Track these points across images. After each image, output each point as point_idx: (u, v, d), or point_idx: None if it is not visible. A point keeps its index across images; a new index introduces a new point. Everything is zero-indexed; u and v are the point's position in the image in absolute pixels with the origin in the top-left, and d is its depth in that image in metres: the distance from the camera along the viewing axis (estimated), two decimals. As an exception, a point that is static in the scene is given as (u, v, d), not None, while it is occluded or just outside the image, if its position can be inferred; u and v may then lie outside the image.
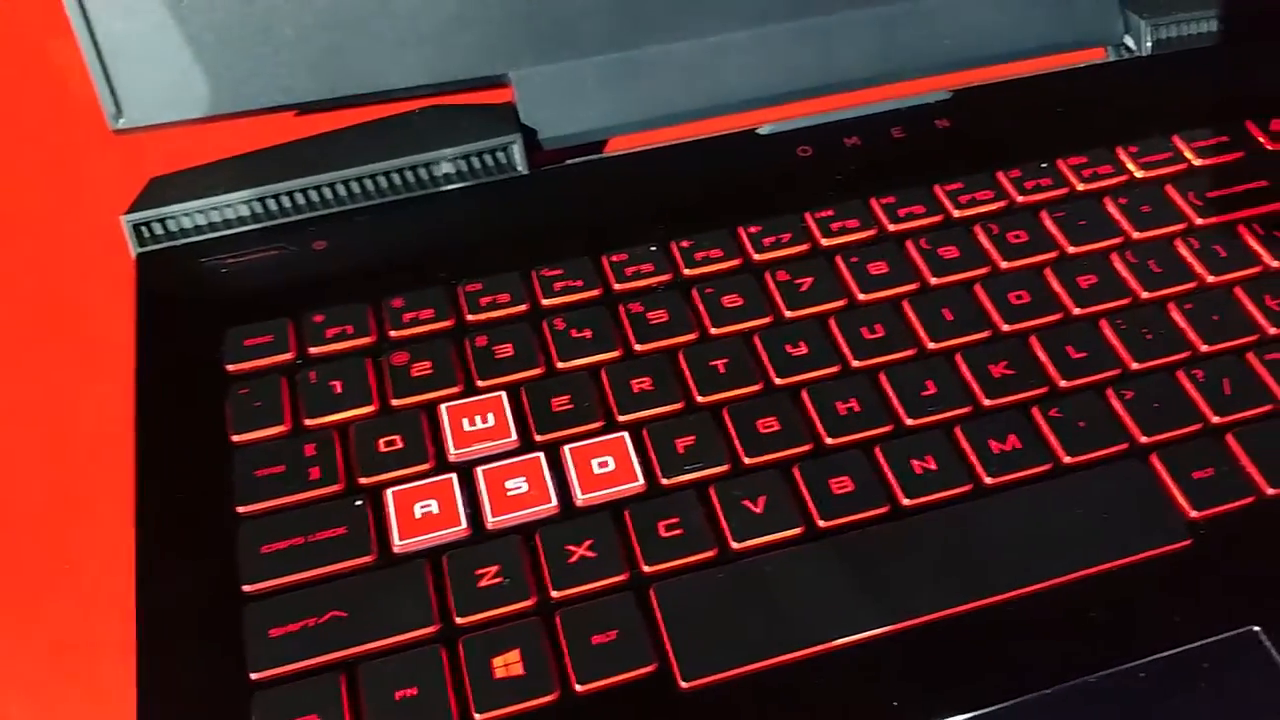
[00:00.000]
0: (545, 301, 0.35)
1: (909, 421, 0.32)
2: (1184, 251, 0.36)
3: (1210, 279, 0.35)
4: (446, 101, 0.40)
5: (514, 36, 0.39)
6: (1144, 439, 0.31)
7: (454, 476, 0.30)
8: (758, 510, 0.29)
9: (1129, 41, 0.44)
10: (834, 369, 0.33)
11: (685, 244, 0.36)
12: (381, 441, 0.31)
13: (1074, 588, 0.28)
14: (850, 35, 0.41)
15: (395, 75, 0.38)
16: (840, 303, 0.35)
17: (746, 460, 0.31)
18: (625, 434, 0.31)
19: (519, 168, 0.39)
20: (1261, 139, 0.40)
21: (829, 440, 0.31)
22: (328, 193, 0.38)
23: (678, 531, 0.29)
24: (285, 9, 0.37)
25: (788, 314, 0.34)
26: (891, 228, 0.37)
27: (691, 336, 0.34)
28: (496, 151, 0.39)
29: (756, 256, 0.36)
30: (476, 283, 0.35)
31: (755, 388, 0.32)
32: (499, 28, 0.38)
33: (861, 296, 0.35)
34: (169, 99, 0.37)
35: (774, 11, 0.40)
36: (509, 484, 0.30)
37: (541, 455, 0.31)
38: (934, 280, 0.35)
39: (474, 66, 0.39)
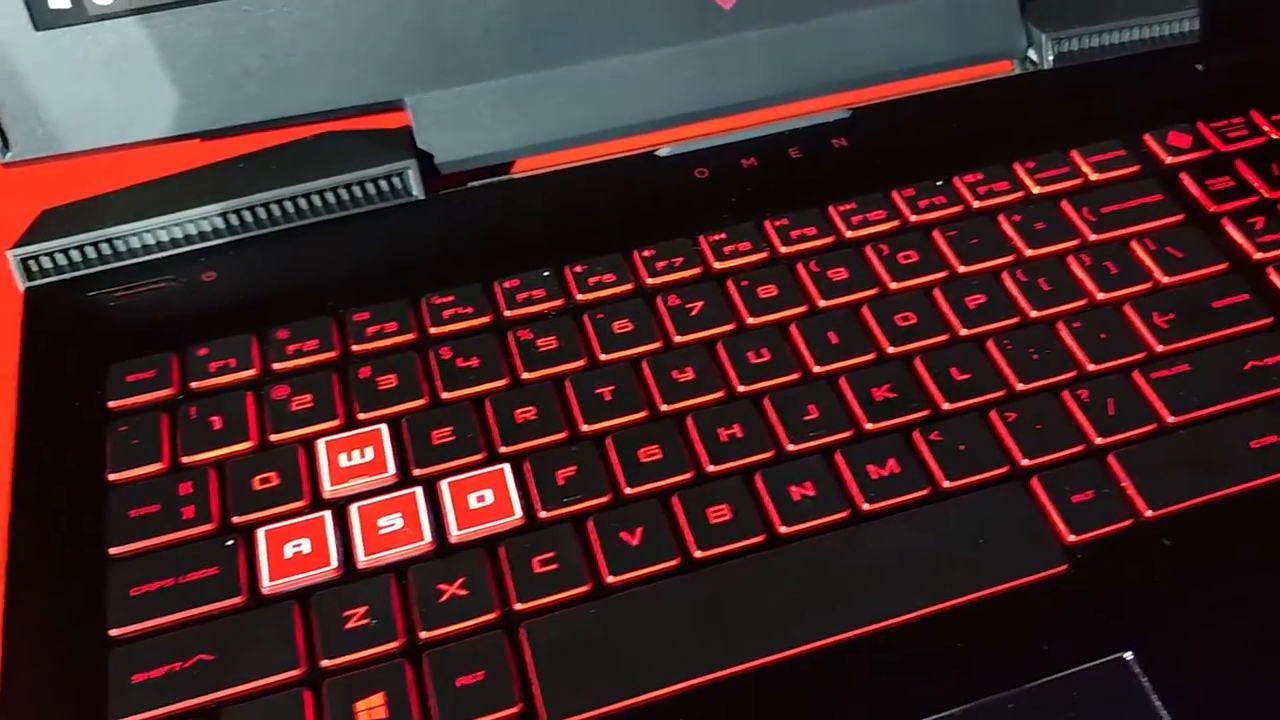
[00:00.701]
0: (433, 330, 0.34)
1: (790, 447, 0.32)
2: (1076, 269, 0.36)
3: (1100, 296, 0.36)
4: (343, 127, 0.40)
5: (409, 62, 0.38)
6: (1025, 462, 0.31)
7: (328, 514, 0.30)
8: (635, 542, 0.29)
9: (1033, 55, 0.44)
10: (719, 394, 0.33)
11: (579, 269, 0.36)
12: (257, 479, 0.31)
13: (946, 617, 0.28)
14: (749, 56, 0.41)
15: (288, 103, 0.38)
16: (729, 326, 0.35)
17: (627, 490, 0.31)
18: (506, 466, 0.31)
19: (415, 193, 0.39)
20: (1159, 152, 0.40)
21: (710, 468, 0.31)
22: (219, 222, 0.37)
23: (552, 567, 0.29)
24: (174, 40, 0.36)
25: (677, 339, 0.34)
26: (783, 250, 0.37)
27: (580, 363, 0.34)
28: (392, 177, 0.38)
29: (649, 280, 0.36)
30: (364, 312, 0.35)
31: (640, 415, 0.32)
32: (393, 54, 0.38)
33: (750, 320, 0.35)
34: (59, 131, 0.37)
35: (672, 34, 0.40)
36: (383, 521, 0.30)
37: (419, 490, 0.30)
38: (822, 303, 0.35)
39: (368, 93, 0.39)
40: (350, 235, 0.38)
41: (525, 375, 0.33)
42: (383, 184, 0.38)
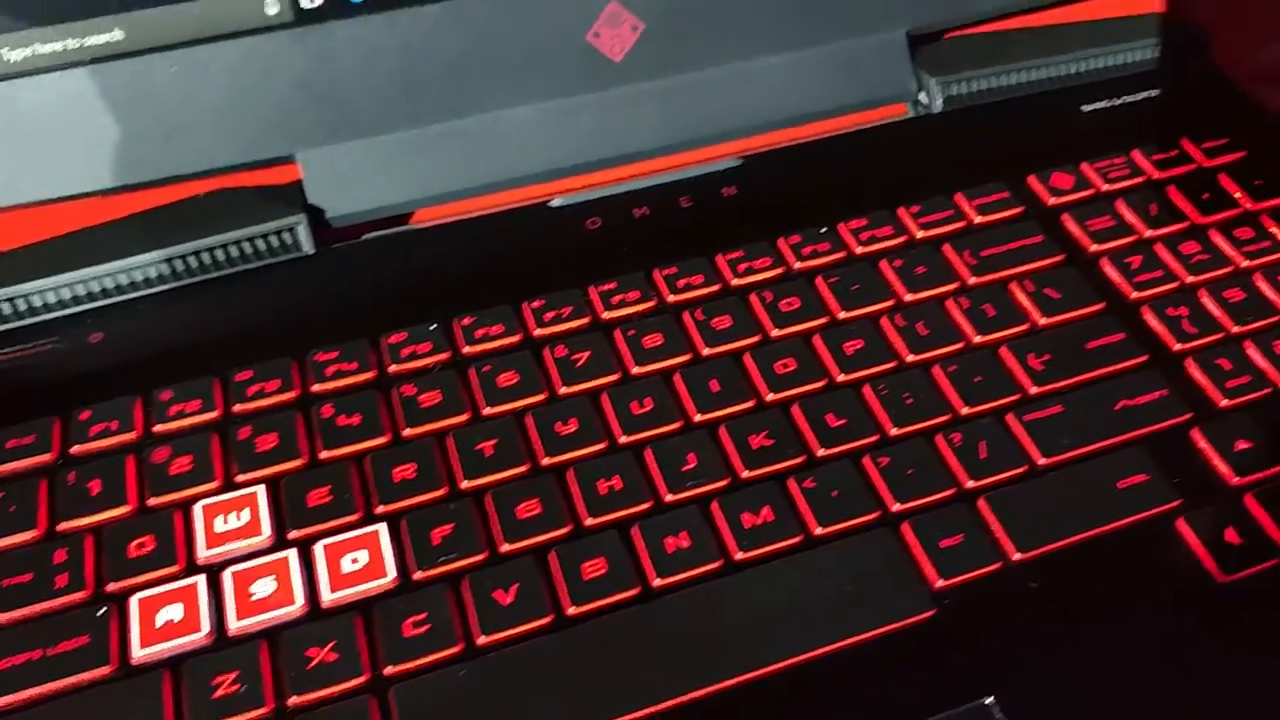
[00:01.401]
0: (315, 387, 0.35)
1: (669, 498, 0.32)
2: (954, 312, 0.37)
3: (977, 339, 0.36)
4: (239, 182, 0.40)
5: (299, 118, 0.39)
6: (896, 507, 0.32)
7: (201, 579, 0.30)
8: (508, 601, 0.30)
9: (923, 99, 0.45)
10: (601, 446, 0.33)
11: (466, 321, 0.36)
12: (134, 544, 0.31)
13: (814, 666, 0.29)
14: (641, 107, 0.42)
15: (180, 161, 0.38)
16: (614, 377, 0.35)
17: (503, 547, 0.31)
18: (382, 526, 0.31)
19: (305, 248, 0.39)
20: (1042, 194, 0.41)
21: (588, 521, 0.31)
22: (107, 283, 0.37)
23: (424, 628, 0.29)
24: (64, 100, 0.36)
25: (562, 391, 0.35)
26: (671, 299, 0.37)
27: (463, 418, 0.34)
28: (282, 232, 0.39)
29: (537, 332, 0.36)
30: (247, 370, 0.35)
31: (521, 469, 0.33)
32: (283, 110, 0.38)
33: (635, 369, 0.35)
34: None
35: (564, 86, 0.41)
36: (256, 586, 0.30)
37: (293, 553, 0.30)
38: (706, 351, 0.36)
39: (259, 149, 0.39)
40: (240, 292, 0.38)
41: (406, 432, 0.33)
42: (273, 239, 0.38)
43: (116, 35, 0.35)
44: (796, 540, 0.31)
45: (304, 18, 0.37)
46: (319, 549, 0.31)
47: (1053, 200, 0.41)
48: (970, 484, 0.33)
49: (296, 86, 0.38)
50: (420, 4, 0.38)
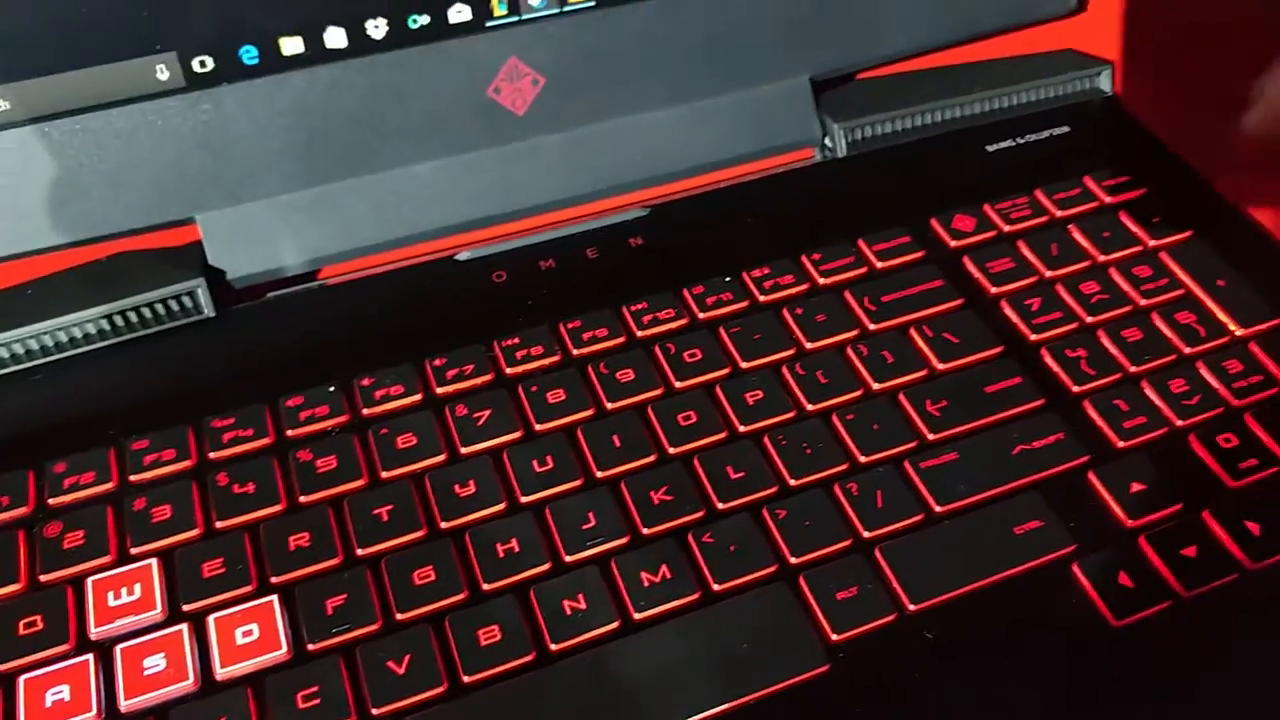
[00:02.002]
0: (212, 455, 0.34)
1: (567, 558, 0.32)
2: (854, 360, 0.37)
3: (876, 386, 0.37)
4: (135, 246, 0.39)
5: (197, 180, 0.39)
6: (793, 560, 0.32)
7: (91, 658, 0.30)
8: (401, 671, 0.29)
9: (829, 144, 0.45)
10: (500, 507, 0.33)
11: (366, 382, 0.36)
12: (22, 623, 0.30)
13: (707, 726, 0.29)
14: (546, 159, 0.42)
15: (78, 227, 0.38)
16: (516, 434, 0.35)
17: (398, 616, 0.31)
18: (275, 598, 0.31)
19: (206, 311, 0.39)
20: (944, 237, 0.42)
21: (485, 587, 0.31)
22: (2, 353, 0.37)
23: (315, 702, 0.29)
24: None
25: (462, 451, 0.35)
26: (576, 352, 0.38)
27: (359, 483, 0.34)
28: (181, 296, 0.38)
29: (438, 390, 0.36)
30: (143, 440, 0.34)
31: (418, 534, 0.33)
32: (182, 173, 0.38)
33: (537, 426, 0.35)
34: None
35: (467, 141, 0.41)
36: (148, 662, 0.29)
37: (185, 628, 0.30)
38: (609, 405, 0.36)
39: (158, 213, 0.39)
40: (138, 359, 0.37)
41: (302, 499, 0.33)
42: (172, 304, 0.38)
43: (2, 105, 0.35)
44: (694, 598, 0.31)
45: (196, 82, 0.37)
46: (211, 622, 0.30)
47: (954, 243, 0.41)
48: (867, 534, 0.33)
49: (193, 149, 0.38)
50: (314, 65, 0.38)
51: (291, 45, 0.37)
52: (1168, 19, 0.52)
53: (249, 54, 0.37)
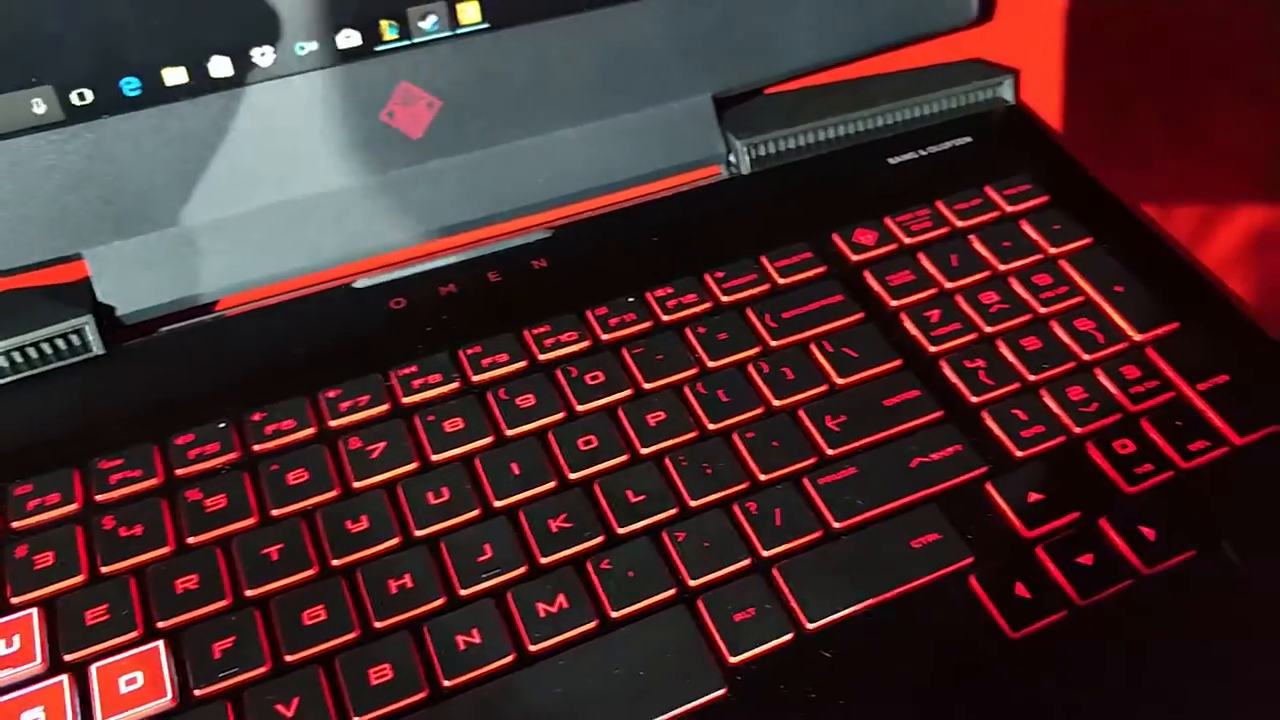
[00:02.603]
0: (99, 497, 0.34)
1: (462, 592, 0.32)
2: (755, 377, 0.37)
3: (776, 403, 0.37)
4: (22, 284, 0.39)
5: (82, 215, 0.38)
6: (692, 583, 0.32)
7: (-35, 715, 0.29)
8: (290, 714, 0.29)
9: (733, 160, 0.45)
10: (394, 542, 0.33)
11: (257, 417, 0.36)
12: (-105, 681, 0.29)
13: (602, 757, 0.29)
14: (445, 182, 0.41)
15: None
16: (411, 466, 0.35)
17: (288, 657, 0.30)
18: (161, 643, 0.30)
19: (95, 348, 0.38)
20: (846, 251, 0.42)
21: (377, 624, 0.31)
22: (-117, 396, 0.36)
23: (199, 748, 0.28)
24: None
25: (355, 485, 0.34)
26: (475, 379, 0.37)
27: (249, 522, 0.33)
28: (69, 334, 0.38)
29: (331, 423, 0.36)
30: (27, 484, 0.34)
31: (309, 573, 0.32)
32: (67, 208, 0.37)
33: (434, 457, 0.35)
34: None
35: (363, 166, 0.40)
36: (25, 716, 0.29)
37: (65, 679, 0.29)
38: (509, 432, 0.36)
39: (41, 250, 0.38)
40: (23, 400, 0.37)
41: (190, 540, 0.33)
42: (59, 342, 0.37)
43: None
44: (592, 626, 0.31)
45: (76, 115, 0.36)
46: (94, 671, 0.30)
47: (855, 257, 0.42)
48: (766, 554, 0.33)
49: (76, 183, 0.37)
50: (199, 95, 0.37)
51: (175, 76, 0.37)
52: (1078, 26, 0.52)
53: (130, 85, 0.36)
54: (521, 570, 0.32)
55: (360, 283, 0.40)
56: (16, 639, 0.30)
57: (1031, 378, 0.38)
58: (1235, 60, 0.47)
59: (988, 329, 0.39)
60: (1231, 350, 0.39)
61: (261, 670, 0.30)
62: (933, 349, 0.39)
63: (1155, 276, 0.41)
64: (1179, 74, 0.48)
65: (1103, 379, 0.38)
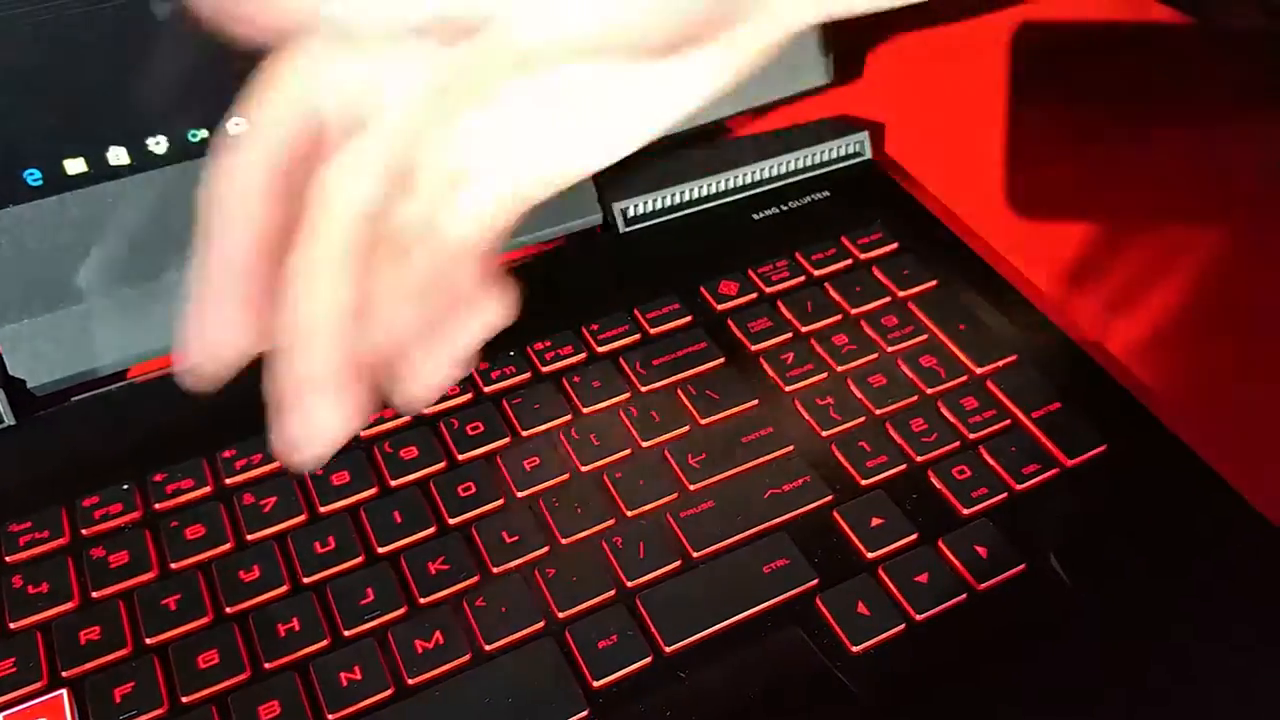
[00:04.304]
0: (8, 558, 0.36)
1: (346, 633, 0.34)
2: (625, 420, 0.40)
3: (644, 444, 0.40)
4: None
5: (-9, 295, 0.40)
6: (561, 615, 0.35)
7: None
8: (182, 752, 0.31)
9: (610, 220, 0.49)
10: (283, 589, 0.35)
11: (159, 478, 0.38)
12: None
13: (472, 777, 0.31)
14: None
15: None
16: (300, 519, 0.37)
17: (183, 699, 0.33)
18: (65, 691, 0.33)
19: (5, 420, 0.40)
20: (711, 302, 0.45)
21: (266, 665, 0.34)
22: None
23: (98, 787, 0.31)
24: None
25: (248, 537, 0.37)
26: (363, 434, 0.40)
27: (150, 575, 0.36)
28: (-22, 408, 0.40)
29: (227, 481, 0.39)
30: (-62, 549, 0.36)
31: (204, 620, 0.35)
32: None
33: (322, 509, 0.38)
34: None
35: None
36: (-65, 765, 0.31)
37: (-27, 729, 0.32)
38: (393, 482, 0.39)
39: (-51, 329, 0.40)
40: (-63, 470, 0.39)
41: (94, 594, 0.35)
42: (-30, 416, 0.40)
43: None
44: (466, 659, 0.34)
45: (-21, 205, 0.39)
46: (-1, 720, 0.32)
47: (720, 306, 0.45)
48: (630, 584, 0.36)
49: (-14, 268, 0.40)
50: (99, 182, 0.40)
51: (75, 165, 0.40)
52: (939, 83, 0.57)
53: (33, 176, 0.39)
54: (401, 611, 0.35)
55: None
56: (-72, 694, 0.32)
57: (877, 412, 0.41)
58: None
59: (838, 368, 0.43)
60: (1065, 380, 0.42)
61: (160, 711, 0.32)
62: (788, 389, 0.42)
63: (996, 314, 0.45)
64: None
65: (944, 410, 0.41)
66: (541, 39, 0.27)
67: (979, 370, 0.43)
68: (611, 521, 0.37)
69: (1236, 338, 0.45)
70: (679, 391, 0.42)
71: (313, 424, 0.27)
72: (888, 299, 0.46)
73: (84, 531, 0.37)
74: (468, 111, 0.28)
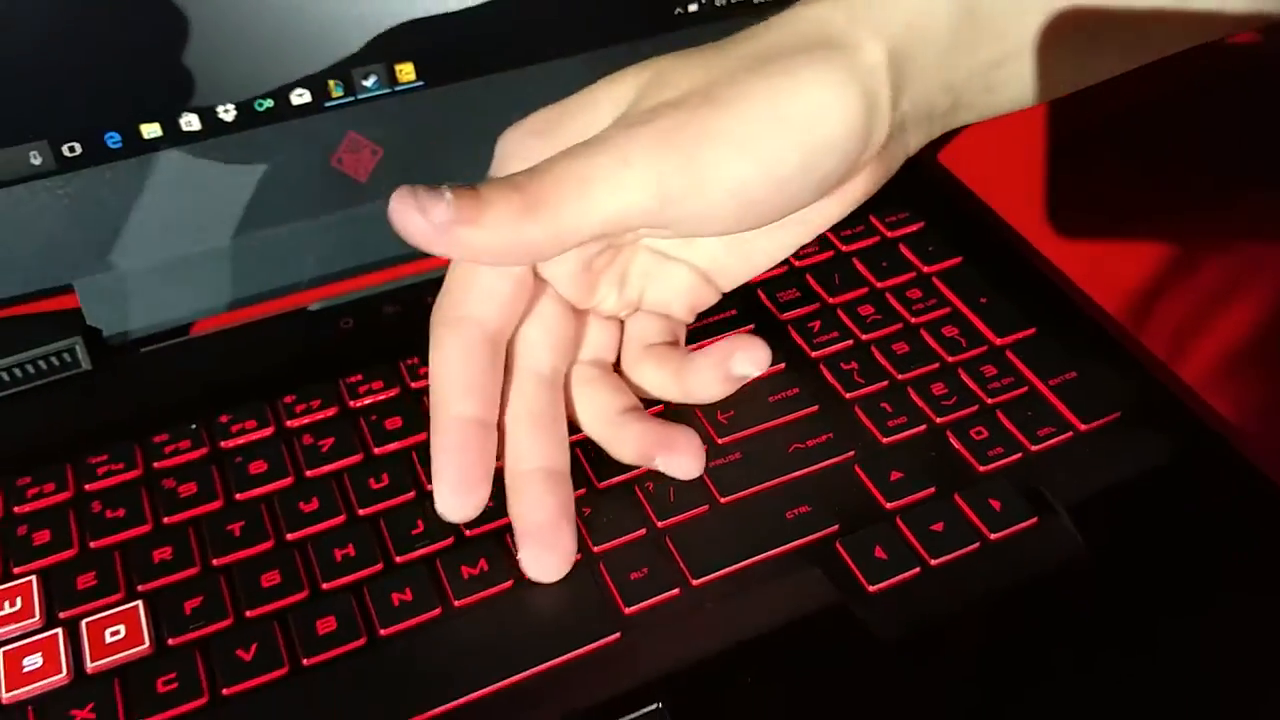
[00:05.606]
0: (88, 486, 0.39)
1: (397, 559, 0.37)
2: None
3: (674, 403, 0.42)
4: (22, 311, 0.44)
5: (72, 250, 0.44)
6: (595, 549, 0.37)
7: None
8: (249, 657, 0.34)
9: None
10: (340, 519, 0.38)
11: (224, 419, 0.41)
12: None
13: (521, 686, 0.34)
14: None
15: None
16: (356, 458, 0.40)
17: (247, 613, 0.35)
18: (140, 602, 0.36)
19: (84, 365, 0.43)
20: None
21: (323, 586, 0.36)
22: (-105, 408, 0.42)
23: (173, 686, 0.33)
24: None
25: (307, 473, 0.40)
26: (413, 385, 0.43)
27: (217, 504, 0.39)
28: (62, 353, 0.43)
29: (288, 423, 0.41)
30: (25, 476, 0.39)
31: (267, 545, 0.37)
32: (56, 244, 0.43)
33: (375, 450, 0.40)
34: None
35: (317, 205, 0.46)
36: (26, 661, 0.34)
37: (60, 631, 0.35)
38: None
39: (36, 280, 0.43)
40: (25, 407, 0.42)
41: (166, 519, 0.38)
42: (54, 360, 0.43)
43: (-108, 189, 0.40)
44: (508, 585, 0.36)
45: (67, 165, 0.42)
46: (84, 625, 0.35)
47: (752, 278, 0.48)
48: (661, 524, 0.38)
49: (67, 223, 0.43)
50: (172, 146, 0.43)
51: (151, 130, 0.43)
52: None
53: (113, 139, 0.42)
54: (448, 541, 0.38)
55: (314, 306, 0.46)
56: (19, 600, 0.35)
57: (900, 377, 0.43)
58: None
59: (863, 336, 0.45)
60: (1082, 351, 0.44)
61: (225, 623, 0.35)
62: (814, 354, 0.44)
63: (1017, 290, 0.47)
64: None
65: (964, 377, 0.43)
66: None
67: (999, 341, 0.45)
68: (643, 469, 0.40)
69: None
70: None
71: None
72: (913, 274, 0.48)
73: (155, 465, 0.40)
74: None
